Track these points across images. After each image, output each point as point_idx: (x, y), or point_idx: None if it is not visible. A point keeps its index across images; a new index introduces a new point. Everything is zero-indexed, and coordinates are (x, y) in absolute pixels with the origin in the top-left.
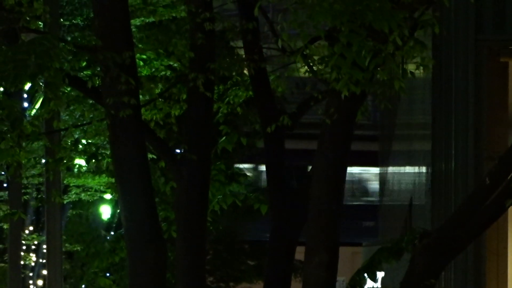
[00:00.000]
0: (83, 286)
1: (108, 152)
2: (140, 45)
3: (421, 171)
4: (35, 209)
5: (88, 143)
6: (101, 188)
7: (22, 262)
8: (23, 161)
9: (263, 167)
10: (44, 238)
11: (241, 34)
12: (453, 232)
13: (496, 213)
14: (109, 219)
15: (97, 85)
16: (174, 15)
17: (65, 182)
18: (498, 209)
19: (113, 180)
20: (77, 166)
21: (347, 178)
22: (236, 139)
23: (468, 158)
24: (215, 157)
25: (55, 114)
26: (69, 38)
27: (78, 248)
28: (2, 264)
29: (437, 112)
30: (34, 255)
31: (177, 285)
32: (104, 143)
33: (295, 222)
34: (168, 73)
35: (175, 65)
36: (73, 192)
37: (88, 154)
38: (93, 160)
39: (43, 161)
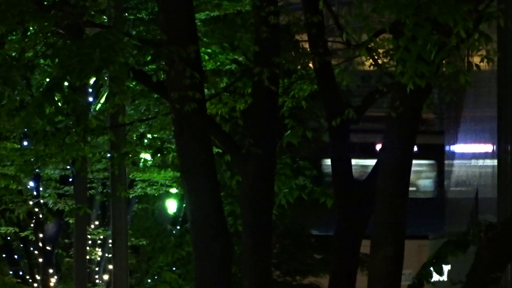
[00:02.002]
0: (148, 280)
1: (173, 146)
2: (205, 39)
3: (486, 164)
4: (100, 204)
5: (153, 137)
6: (167, 182)
7: (88, 257)
8: (88, 156)
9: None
10: (109, 232)
11: (306, 28)
12: None
13: None
14: (175, 213)
15: (162, 79)
16: (239, 8)
17: (130, 176)
18: None
19: (178, 174)
20: (143, 160)
21: None
22: (302, 132)
23: None
24: (281, 150)
25: (120, 109)
26: (133, 33)
27: (144, 242)
28: (68, 259)
29: (503, 105)
30: (100, 249)
31: (244, 279)
32: (170, 137)
33: (361, 215)
34: (233, 67)
35: (240, 59)
36: (138, 187)
37: (153, 149)
38: (159, 155)
39: (109, 155)
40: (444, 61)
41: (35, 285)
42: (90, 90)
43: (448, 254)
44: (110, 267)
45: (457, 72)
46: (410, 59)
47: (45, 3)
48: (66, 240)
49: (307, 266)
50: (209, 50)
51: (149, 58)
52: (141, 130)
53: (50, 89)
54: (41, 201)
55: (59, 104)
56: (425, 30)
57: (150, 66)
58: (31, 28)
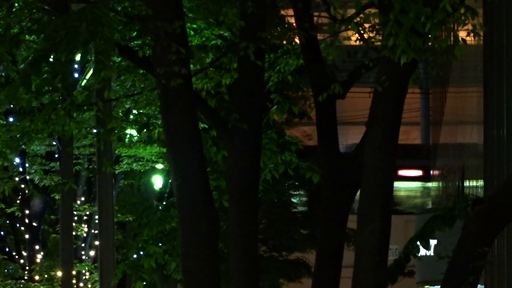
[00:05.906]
0: (134, 255)
1: (159, 122)
2: (190, 15)
3: (473, 138)
4: (86, 180)
5: (139, 113)
6: (153, 158)
7: (74, 233)
8: (74, 132)
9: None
10: (96, 208)
11: (291, 2)
12: (506, 199)
13: None
14: (161, 189)
15: (147, 54)
16: None
17: (116, 152)
18: None
19: (164, 150)
20: (129, 136)
21: None
22: (288, 107)
23: None
24: (267, 125)
25: (106, 84)
26: (119, 8)
27: (130, 218)
28: (55, 235)
29: (489, 79)
30: (86, 225)
31: (230, 254)
32: (155, 112)
33: (348, 190)
34: (219, 42)
35: (226, 34)
36: (124, 162)
37: (139, 124)
38: (145, 130)
39: (94, 131)
40: (430, 36)
41: (21, 261)
42: (76, 66)
43: (435, 229)
44: (96, 243)
45: (447, 46)
46: (402, 32)
47: None
48: (52, 216)
49: (294, 241)
50: (194, 26)
51: (134, 33)
52: (127, 106)
53: (37, 60)
54: (27, 177)
55: (46, 76)
56: (416, 3)
57: (135, 42)
58: (16, 4)
